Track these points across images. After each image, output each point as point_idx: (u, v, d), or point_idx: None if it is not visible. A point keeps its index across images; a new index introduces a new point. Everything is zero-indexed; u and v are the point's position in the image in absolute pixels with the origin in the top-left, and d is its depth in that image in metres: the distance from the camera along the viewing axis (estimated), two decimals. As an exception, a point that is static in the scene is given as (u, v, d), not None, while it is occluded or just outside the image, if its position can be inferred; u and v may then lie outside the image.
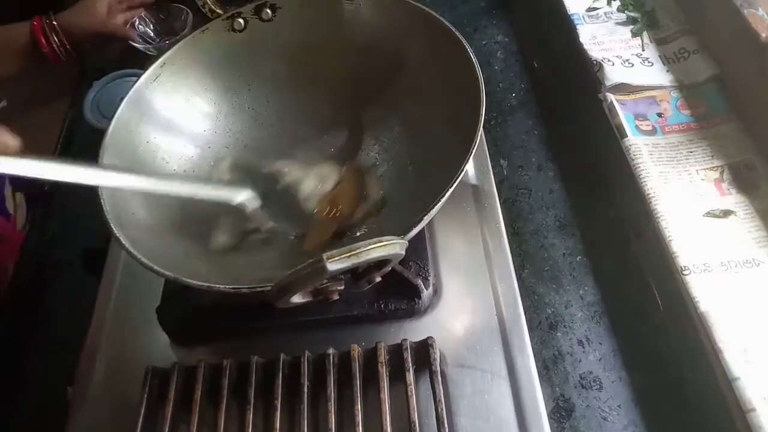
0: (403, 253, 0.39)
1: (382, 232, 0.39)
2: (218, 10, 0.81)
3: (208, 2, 0.82)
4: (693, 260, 0.51)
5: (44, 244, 0.67)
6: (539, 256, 0.59)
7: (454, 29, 0.53)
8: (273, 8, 0.61)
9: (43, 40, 0.75)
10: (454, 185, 0.44)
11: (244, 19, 0.60)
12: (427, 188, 0.51)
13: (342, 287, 0.44)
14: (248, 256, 0.55)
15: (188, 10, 0.81)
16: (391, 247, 0.37)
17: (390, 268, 0.44)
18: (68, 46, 0.76)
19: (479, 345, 0.51)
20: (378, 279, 0.45)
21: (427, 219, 0.44)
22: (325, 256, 0.35)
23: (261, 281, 0.41)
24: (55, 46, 0.75)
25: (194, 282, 0.42)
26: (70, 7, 0.77)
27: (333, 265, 0.35)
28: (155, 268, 0.42)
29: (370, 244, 0.37)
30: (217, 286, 0.41)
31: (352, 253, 0.36)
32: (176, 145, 0.58)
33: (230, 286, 0.41)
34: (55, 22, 0.75)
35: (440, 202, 0.44)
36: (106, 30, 0.78)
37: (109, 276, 0.59)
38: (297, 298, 0.41)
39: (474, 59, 0.50)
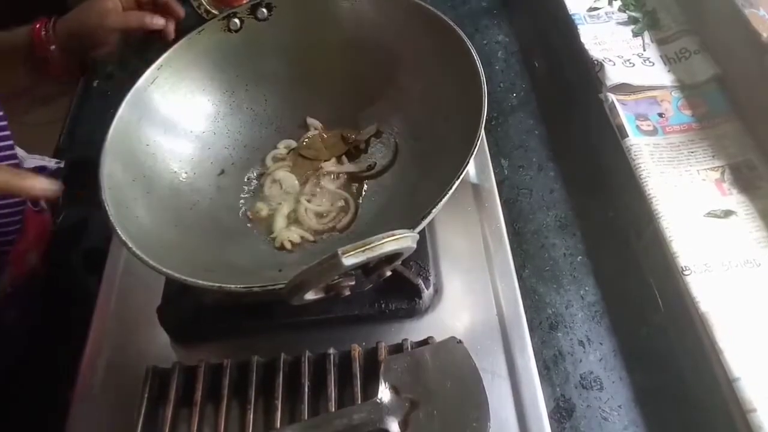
0: (415, 246, 0.39)
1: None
2: (214, 11, 0.81)
3: (204, 3, 0.82)
4: (694, 260, 0.51)
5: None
6: (540, 256, 0.59)
7: (455, 26, 0.53)
8: (268, 7, 0.60)
9: (42, 47, 0.65)
10: (461, 177, 0.44)
11: (239, 19, 0.60)
12: (429, 187, 0.51)
13: (353, 282, 0.44)
14: (251, 255, 0.55)
15: None
16: (403, 240, 0.38)
17: (400, 262, 0.44)
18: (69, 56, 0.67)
19: (480, 345, 0.51)
20: (389, 273, 0.45)
21: (434, 212, 0.44)
22: (340, 251, 0.36)
23: (273, 279, 0.41)
24: (54, 54, 0.66)
25: (205, 283, 0.41)
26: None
27: (348, 260, 0.36)
28: (164, 270, 0.42)
29: (383, 238, 0.37)
30: (228, 286, 0.41)
31: (366, 247, 0.36)
32: (177, 147, 0.58)
33: (242, 286, 0.41)
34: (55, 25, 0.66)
35: (448, 194, 0.44)
36: (96, 36, 0.65)
37: (109, 276, 0.59)
38: (310, 295, 0.41)
39: (476, 56, 0.50)
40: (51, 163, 0.69)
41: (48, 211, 0.68)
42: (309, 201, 0.59)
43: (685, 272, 0.50)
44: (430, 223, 0.57)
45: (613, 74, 0.64)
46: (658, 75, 0.65)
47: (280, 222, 0.58)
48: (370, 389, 0.47)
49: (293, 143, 0.63)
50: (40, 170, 0.71)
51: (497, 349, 0.51)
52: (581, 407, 0.50)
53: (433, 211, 0.44)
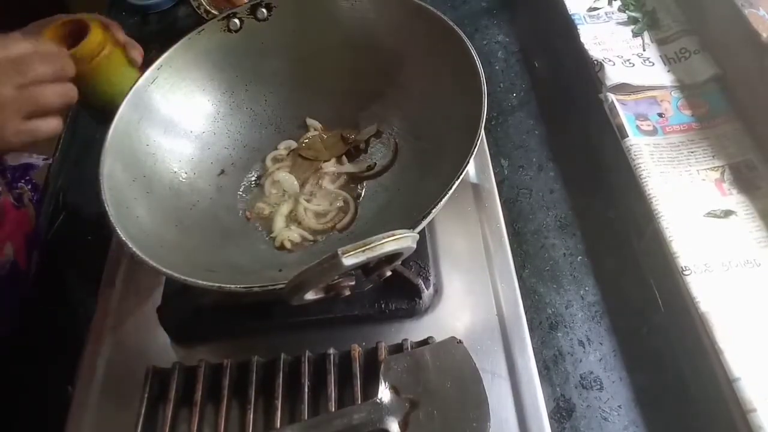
0: (415, 246, 0.39)
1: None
2: (214, 11, 0.81)
3: (204, 3, 0.82)
4: (694, 260, 0.51)
5: (45, 244, 0.67)
6: (540, 256, 0.59)
7: (455, 27, 0.53)
8: (268, 7, 0.60)
9: None
10: (461, 177, 0.44)
11: (239, 19, 0.60)
12: (429, 186, 0.51)
13: (353, 282, 0.44)
14: (251, 255, 0.55)
15: None
16: (403, 240, 0.38)
17: (400, 262, 0.44)
18: None
19: (480, 345, 0.51)
20: (389, 273, 0.45)
21: (435, 212, 0.44)
22: (340, 251, 0.36)
23: (273, 279, 0.41)
24: None
25: (205, 283, 0.41)
26: None
27: (348, 260, 0.36)
28: (164, 270, 0.42)
29: (383, 238, 0.37)
30: (228, 286, 0.41)
31: (367, 247, 0.36)
32: (177, 147, 0.58)
33: (242, 286, 0.41)
34: None
35: (447, 194, 0.44)
36: None
37: (109, 276, 0.59)
38: (310, 295, 0.41)
39: (476, 57, 0.50)
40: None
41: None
42: (308, 201, 0.59)
43: (685, 272, 0.50)
44: (430, 223, 0.57)
45: (613, 74, 0.64)
46: (658, 75, 0.65)
47: (279, 222, 0.58)
48: (370, 389, 0.47)
49: (293, 144, 0.63)
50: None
51: (497, 349, 0.51)
52: (581, 407, 0.50)
53: (433, 211, 0.44)
